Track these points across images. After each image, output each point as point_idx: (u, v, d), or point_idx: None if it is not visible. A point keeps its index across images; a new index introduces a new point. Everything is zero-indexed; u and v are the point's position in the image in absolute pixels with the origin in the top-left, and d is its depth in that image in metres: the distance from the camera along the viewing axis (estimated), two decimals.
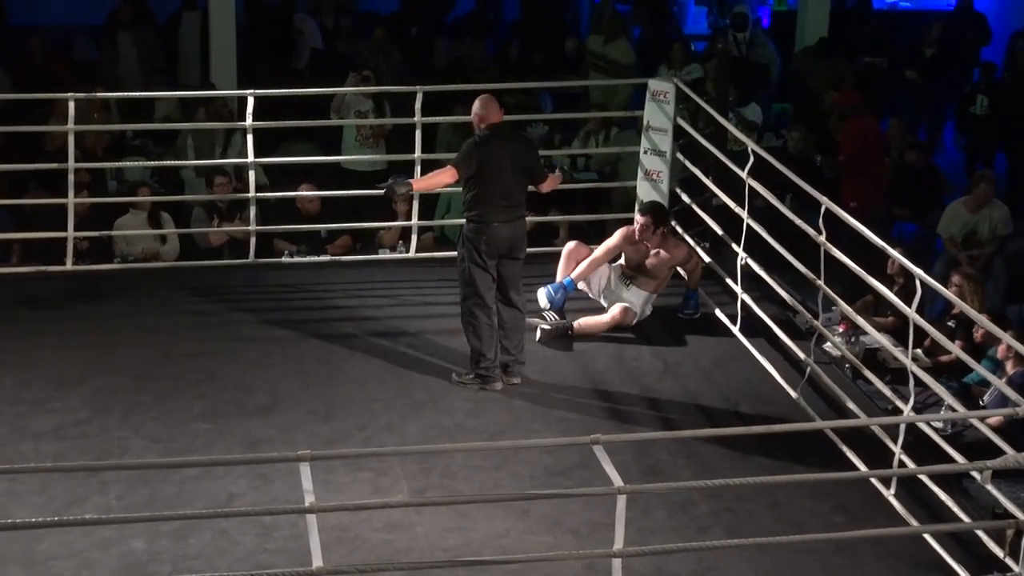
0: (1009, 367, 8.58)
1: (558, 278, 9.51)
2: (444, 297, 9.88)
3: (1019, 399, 6.68)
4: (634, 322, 9.41)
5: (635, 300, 9.45)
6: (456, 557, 6.84)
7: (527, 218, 8.78)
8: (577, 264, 9.52)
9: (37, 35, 13.48)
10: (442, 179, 8.69)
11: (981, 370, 7.53)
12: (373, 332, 9.34)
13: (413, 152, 10.38)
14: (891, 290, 8.34)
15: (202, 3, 13.74)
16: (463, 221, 8.69)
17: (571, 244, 9.65)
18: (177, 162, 11.28)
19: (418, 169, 10.38)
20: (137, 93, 12.13)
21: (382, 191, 8.73)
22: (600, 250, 9.58)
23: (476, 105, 8.58)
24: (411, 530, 7.08)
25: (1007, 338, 7.44)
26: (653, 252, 9.50)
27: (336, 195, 10.91)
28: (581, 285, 9.58)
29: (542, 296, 9.41)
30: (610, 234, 9.87)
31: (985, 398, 8.66)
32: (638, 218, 9.54)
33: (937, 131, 14.63)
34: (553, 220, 11.21)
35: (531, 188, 8.76)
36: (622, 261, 9.61)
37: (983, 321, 7.60)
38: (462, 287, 8.62)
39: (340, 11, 14.54)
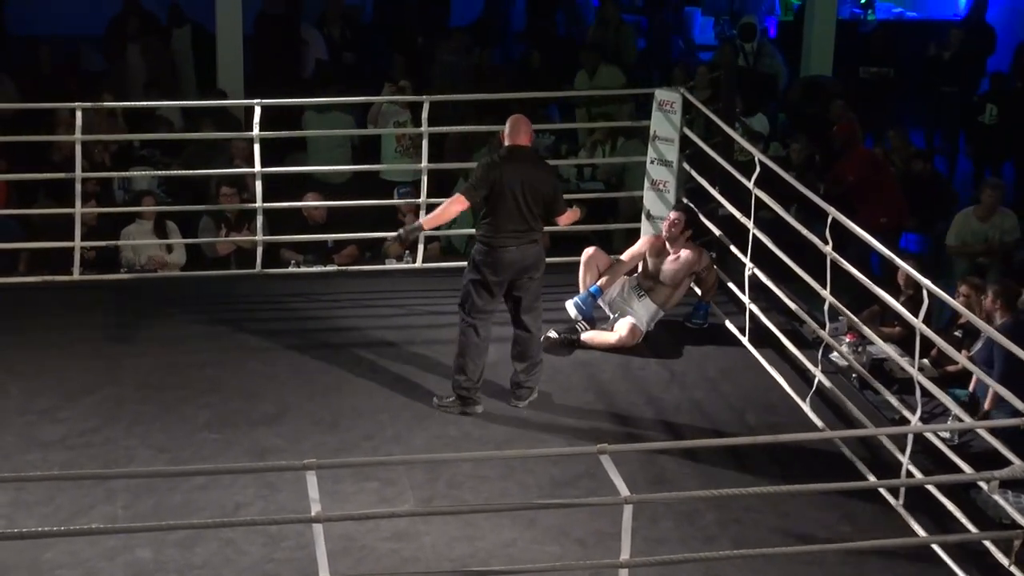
0: (997, 318, 8.80)
1: (581, 286, 9.44)
2: (451, 307, 9.83)
3: (1011, 345, 6.90)
4: (640, 340, 9.37)
5: (643, 315, 9.40)
6: (463, 567, 6.85)
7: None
8: (597, 269, 9.41)
9: (45, 45, 13.51)
10: (453, 210, 8.56)
11: (987, 379, 7.52)
12: (380, 342, 9.34)
13: (441, 160, 10.40)
14: (898, 300, 8.34)
15: (191, 18, 13.80)
16: (472, 232, 8.69)
17: (590, 250, 9.50)
18: (184, 171, 11.29)
19: (424, 179, 10.41)
20: (144, 103, 12.15)
21: (397, 236, 8.68)
22: (626, 255, 9.52)
23: (507, 123, 8.47)
24: (418, 540, 7.08)
25: (984, 325, 7.55)
26: (673, 256, 9.47)
27: (342, 205, 10.94)
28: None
29: (571, 308, 9.32)
30: (616, 243, 9.86)
31: (973, 351, 8.82)
32: (671, 215, 9.51)
33: (951, 139, 14.61)
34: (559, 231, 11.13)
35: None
36: (638, 271, 9.55)
37: (991, 331, 7.58)
38: (460, 304, 8.49)
39: (346, 22, 14.55)
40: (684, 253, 9.48)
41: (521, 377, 8.55)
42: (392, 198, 11.12)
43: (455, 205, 8.48)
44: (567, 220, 8.70)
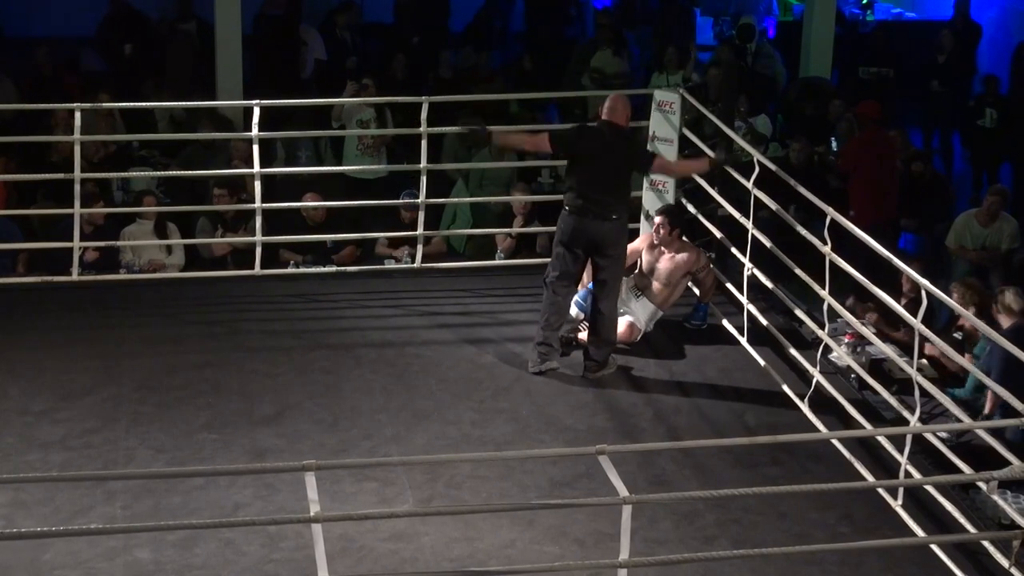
0: (1003, 321, 8.79)
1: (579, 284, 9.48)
2: (450, 307, 9.91)
3: (1017, 351, 6.89)
4: (638, 338, 9.40)
5: (641, 315, 9.41)
6: (462, 567, 6.85)
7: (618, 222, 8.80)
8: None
9: (43, 45, 13.51)
10: (529, 139, 9.11)
11: (986, 380, 7.51)
12: (379, 342, 9.35)
13: (417, 161, 10.40)
14: (898, 302, 8.33)
15: (197, 14, 13.82)
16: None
17: None
18: (182, 172, 11.27)
19: (423, 179, 10.38)
20: (142, 103, 12.14)
21: (466, 131, 9.33)
22: None
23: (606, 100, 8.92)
24: (417, 540, 7.08)
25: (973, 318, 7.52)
26: (668, 255, 9.48)
27: (342, 205, 10.93)
28: None
29: (572, 307, 9.36)
30: None
31: (976, 350, 8.84)
32: (655, 219, 9.57)
33: (945, 140, 14.62)
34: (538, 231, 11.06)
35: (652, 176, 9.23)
36: (635, 270, 9.58)
37: (986, 329, 7.57)
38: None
39: (351, 26, 14.57)
40: (680, 253, 9.49)
41: (590, 350, 8.87)
42: (367, 198, 11.06)
43: (533, 137, 9.06)
44: (677, 167, 9.34)
